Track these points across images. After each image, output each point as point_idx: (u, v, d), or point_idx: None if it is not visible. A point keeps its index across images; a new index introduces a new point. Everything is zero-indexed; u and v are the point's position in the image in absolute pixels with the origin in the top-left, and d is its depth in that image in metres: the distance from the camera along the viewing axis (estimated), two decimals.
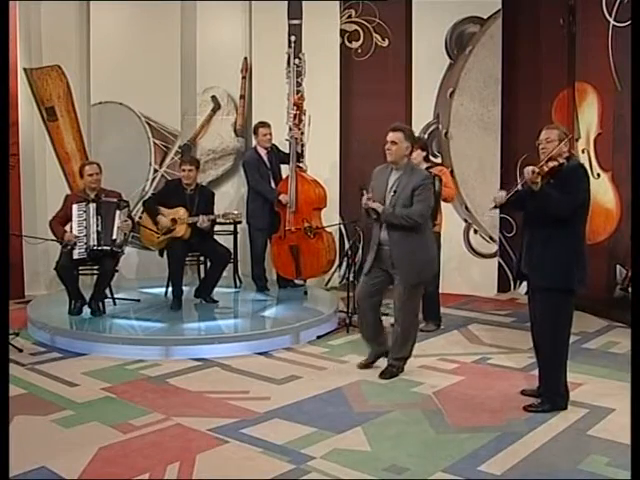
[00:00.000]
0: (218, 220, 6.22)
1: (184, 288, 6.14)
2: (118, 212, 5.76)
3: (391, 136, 4.48)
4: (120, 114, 7.39)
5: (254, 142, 6.86)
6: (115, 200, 5.86)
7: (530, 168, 3.84)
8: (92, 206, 5.73)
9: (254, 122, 7.25)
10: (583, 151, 6.51)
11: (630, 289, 5.80)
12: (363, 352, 5.24)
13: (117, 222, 5.73)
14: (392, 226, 4.49)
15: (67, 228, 5.79)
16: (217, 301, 6.25)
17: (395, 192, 4.49)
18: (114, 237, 5.71)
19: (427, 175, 4.60)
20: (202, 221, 5.99)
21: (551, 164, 3.89)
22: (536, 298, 4.07)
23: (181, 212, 6.10)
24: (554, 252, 3.94)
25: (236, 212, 6.23)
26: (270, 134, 6.65)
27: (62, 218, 5.83)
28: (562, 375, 4.03)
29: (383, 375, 4.65)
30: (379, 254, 4.59)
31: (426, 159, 5.81)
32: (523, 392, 4.29)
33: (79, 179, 6.23)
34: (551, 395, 4.03)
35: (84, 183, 5.97)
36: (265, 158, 6.67)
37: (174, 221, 6.09)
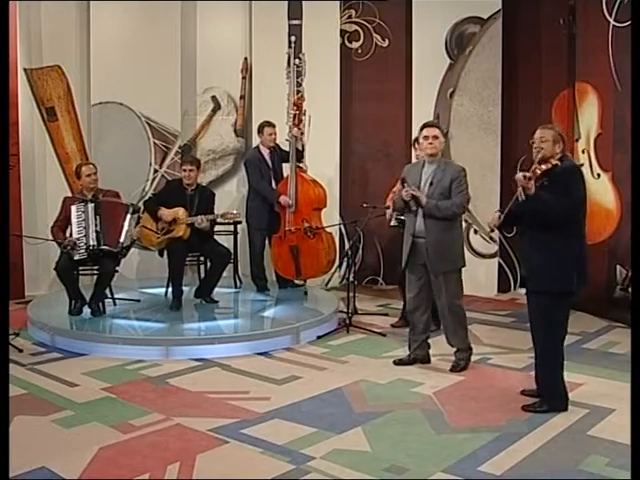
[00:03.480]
0: (217, 220, 6.22)
1: (184, 288, 6.14)
2: (129, 216, 5.76)
3: (431, 131, 4.70)
4: (120, 114, 7.39)
5: (257, 141, 6.86)
6: (126, 203, 5.91)
7: (521, 174, 3.85)
8: (90, 206, 5.74)
9: (254, 122, 7.27)
10: (583, 151, 6.52)
11: (630, 289, 5.80)
12: (363, 352, 5.25)
13: (126, 226, 5.74)
14: (430, 217, 4.65)
15: (68, 233, 5.79)
16: (217, 301, 6.25)
17: (432, 184, 4.67)
18: (121, 240, 5.72)
19: (463, 168, 4.76)
20: (200, 221, 5.99)
21: (544, 167, 3.89)
22: (531, 299, 4.08)
23: (180, 212, 6.10)
24: (551, 255, 3.93)
25: (235, 212, 6.23)
26: (275, 134, 6.66)
27: (62, 222, 5.83)
28: (559, 376, 4.02)
29: (454, 369, 4.76)
30: (414, 247, 4.74)
31: None
32: (523, 392, 4.29)
33: (76, 180, 6.22)
34: (549, 396, 4.03)
35: (82, 184, 5.98)
36: (267, 157, 6.68)
37: (174, 221, 6.10)
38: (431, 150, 4.69)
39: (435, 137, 4.68)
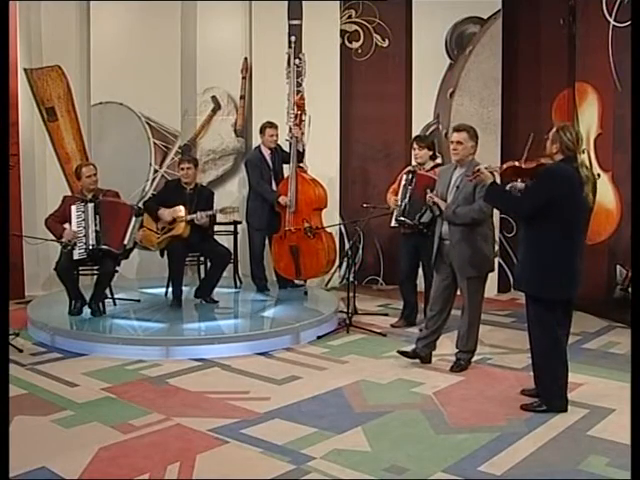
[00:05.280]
0: (216, 216, 6.19)
1: (184, 288, 6.15)
2: (134, 219, 5.79)
3: (456, 136, 4.68)
4: (120, 114, 7.40)
5: (258, 141, 6.86)
6: (131, 205, 5.96)
7: (480, 166, 4.15)
8: (90, 206, 5.75)
9: (254, 122, 7.27)
10: (583, 151, 6.48)
11: (630, 289, 5.80)
12: (363, 352, 5.25)
13: (131, 228, 5.77)
14: (450, 223, 4.66)
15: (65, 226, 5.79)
16: (217, 301, 6.25)
17: (458, 188, 4.66)
18: (125, 242, 5.76)
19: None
20: (200, 217, 5.99)
21: (516, 164, 3.99)
22: (527, 301, 4.09)
23: (180, 211, 6.10)
24: (525, 257, 3.97)
25: (234, 206, 6.21)
26: (276, 135, 6.66)
27: (58, 217, 5.83)
28: (557, 377, 4.00)
29: (453, 369, 4.77)
30: (441, 248, 4.76)
31: (432, 158, 5.84)
32: (523, 392, 4.29)
33: (76, 180, 6.21)
34: (547, 396, 4.03)
35: (82, 184, 5.98)
36: (268, 158, 6.68)
37: (173, 219, 6.10)
38: (454, 156, 4.72)
39: (459, 142, 4.63)
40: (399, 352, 4.95)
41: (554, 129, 3.95)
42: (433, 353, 4.99)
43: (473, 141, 4.68)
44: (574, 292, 3.97)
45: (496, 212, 7.12)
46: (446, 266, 4.75)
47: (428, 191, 4.77)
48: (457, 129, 4.73)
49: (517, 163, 4.01)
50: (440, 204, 4.67)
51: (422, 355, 4.91)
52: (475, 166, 4.62)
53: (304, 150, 6.59)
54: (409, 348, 4.99)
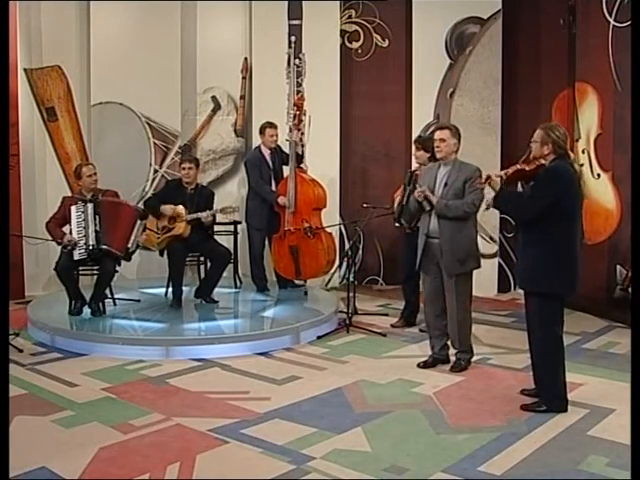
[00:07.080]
0: (217, 215, 6.19)
1: (184, 288, 6.15)
2: (139, 222, 5.81)
3: (439, 134, 4.73)
4: (120, 114, 7.40)
5: (257, 141, 6.86)
6: (136, 207, 6.01)
7: (490, 174, 4.08)
8: (90, 206, 5.75)
9: (254, 122, 7.26)
10: (583, 151, 6.51)
11: (630, 289, 5.80)
12: (363, 352, 5.25)
13: (135, 231, 5.83)
14: (442, 217, 4.66)
15: (65, 230, 5.79)
16: (217, 301, 6.25)
17: (446, 184, 4.68)
18: (129, 245, 5.80)
19: (477, 168, 4.75)
20: (206, 216, 6.01)
21: (519, 166, 3.97)
22: (526, 299, 4.09)
23: (180, 209, 6.10)
24: (531, 255, 3.96)
25: (234, 206, 6.22)
26: (276, 135, 6.66)
27: (59, 220, 5.84)
28: (557, 376, 4.00)
29: (453, 369, 4.75)
30: (427, 247, 4.74)
31: (432, 159, 5.83)
32: (523, 392, 4.29)
33: (76, 180, 6.20)
34: (547, 396, 4.02)
35: (82, 184, 5.98)
36: (268, 158, 6.68)
37: (174, 219, 6.11)
38: (438, 154, 4.75)
39: (442, 140, 4.68)
40: (419, 366, 4.84)
41: (540, 131, 3.94)
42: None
43: (455, 139, 4.72)
44: (576, 287, 4.00)
45: (495, 212, 7.17)
46: (434, 265, 4.75)
47: (418, 186, 4.75)
48: (440, 127, 4.82)
49: (519, 166, 3.99)
50: (431, 198, 4.67)
51: (442, 358, 4.89)
52: (460, 164, 4.70)
53: (303, 155, 6.59)
54: (423, 359, 4.92)
